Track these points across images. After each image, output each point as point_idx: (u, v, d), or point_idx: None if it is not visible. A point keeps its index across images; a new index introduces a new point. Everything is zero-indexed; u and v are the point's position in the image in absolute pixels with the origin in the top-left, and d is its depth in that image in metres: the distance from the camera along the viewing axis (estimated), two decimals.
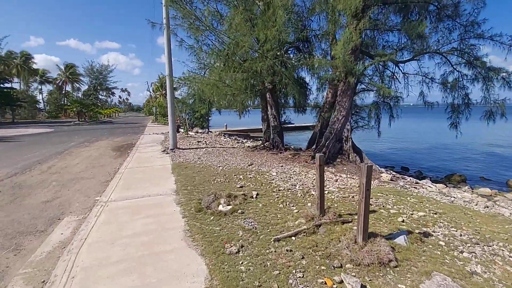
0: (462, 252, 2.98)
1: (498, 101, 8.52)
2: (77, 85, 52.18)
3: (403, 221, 3.68)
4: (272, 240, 3.15)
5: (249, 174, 6.31)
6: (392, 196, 4.92)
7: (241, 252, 2.93)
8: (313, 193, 4.92)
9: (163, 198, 4.76)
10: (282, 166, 7.41)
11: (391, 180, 7.09)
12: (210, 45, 9.19)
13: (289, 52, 10.87)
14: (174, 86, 11.08)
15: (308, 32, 9.74)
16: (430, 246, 3.04)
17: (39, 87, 49.32)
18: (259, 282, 2.42)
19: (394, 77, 9.79)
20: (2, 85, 34.33)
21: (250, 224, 3.58)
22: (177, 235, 3.36)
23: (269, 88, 10.07)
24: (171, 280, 2.49)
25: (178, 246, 3.10)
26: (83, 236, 3.39)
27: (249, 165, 7.37)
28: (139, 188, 5.39)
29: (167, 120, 12.74)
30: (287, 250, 2.93)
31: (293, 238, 3.21)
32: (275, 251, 2.93)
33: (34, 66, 44.91)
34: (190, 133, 16.68)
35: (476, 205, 5.05)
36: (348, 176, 6.78)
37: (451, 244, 3.13)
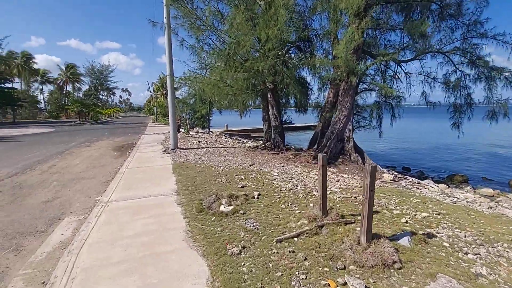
0: (466, 253, 2.94)
1: (500, 101, 8.47)
2: (78, 85, 52.33)
3: (406, 222, 3.64)
4: (274, 241, 3.12)
5: (251, 174, 6.28)
6: (394, 196, 4.88)
7: (243, 253, 2.90)
8: (315, 193, 4.89)
9: (164, 199, 4.73)
10: (283, 166, 7.37)
11: (393, 180, 7.04)
12: (211, 45, 9.17)
13: (290, 51, 10.84)
14: (175, 86, 11.05)
15: (310, 31, 9.70)
16: (434, 248, 3.00)
17: (40, 87, 49.46)
18: (261, 284, 2.39)
19: (396, 76, 9.75)
20: (3, 85, 34.38)
21: (252, 225, 3.55)
22: (178, 236, 3.33)
23: (270, 88, 10.03)
24: (173, 281, 2.46)
25: (179, 247, 3.07)
26: (84, 237, 3.36)
27: (250, 165, 7.34)
28: (140, 188, 5.36)
29: (168, 120, 12.72)
30: (289, 251, 2.89)
31: (296, 239, 3.17)
32: (278, 252, 2.90)
33: (35, 66, 45.05)
34: (191, 133, 16.66)
35: (479, 205, 5.00)
36: (350, 176, 6.74)
37: (456, 246, 3.09)
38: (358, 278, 2.45)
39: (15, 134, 17.73)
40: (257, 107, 13.23)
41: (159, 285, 2.42)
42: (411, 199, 4.81)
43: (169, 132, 12.32)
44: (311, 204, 4.28)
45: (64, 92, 50.92)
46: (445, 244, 3.10)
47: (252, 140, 16.55)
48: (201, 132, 17.56)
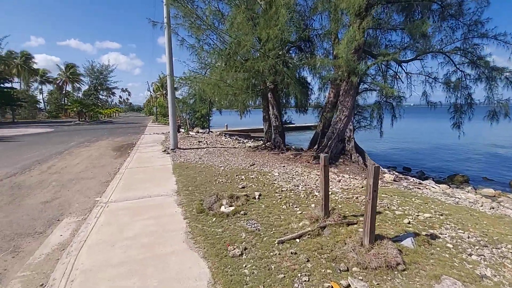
0: (470, 254, 2.90)
1: (501, 101, 8.45)
2: (78, 85, 52.22)
3: (409, 222, 3.61)
4: (276, 242, 3.08)
5: (251, 175, 6.24)
6: (396, 197, 4.85)
7: (244, 254, 2.86)
8: (316, 194, 4.85)
9: (164, 199, 4.69)
10: (284, 166, 7.33)
11: (394, 180, 7.01)
12: (211, 45, 9.12)
13: (290, 51, 10.81)
14: (175, 85, 11.01)
15: (310, 31, 9.67)
16: (438, 249, 2.97)
17: (40, 87, 49.35)
18: (263, 286, 2.35)
19: (397, 76, 9.72)
20: (2, 85, 34.31)
21: (253, 226, 3.51)
22: (178, 237, 3.29)
23: (270, 88, 10.00)
24: (173, 284, 2.42)
25: (180, 248, 3.03)
26: (83, 238, 3.32)
27: (250, 165, 7.30)
28: (139, 188, 5.32)
29: (168, 120, 12.68)
30: (291, 253, 2.86)
31: (298, 240, 3.14)
32: (279, 254, 2.86)
33: (35, 66, 44.93)
34: (190, 133, 16.61)
35: (482, 206, 4.97)
36: (351, 176, 6.71)
37: (459, 247, 3.06)
38: (362, 280, 2.41)
39: (14, 134, 17.67)
40: (257, 107, 13.20)
41: (159, 287, 2.38)
42: (413, 199, 4.78)
43: (169, 132, 12.29)
44: (313, 205, 4.25)
45: (64, 92, 50.83)
46: (448, 245, 3.07)
47: (252, 140, 16.51)
48: (201, 132, 17.52)
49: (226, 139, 14.39)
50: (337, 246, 2.95)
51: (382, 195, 4.90)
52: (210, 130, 19.81)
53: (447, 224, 3.66)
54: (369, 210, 2.72)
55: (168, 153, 9.36)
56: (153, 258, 2.83)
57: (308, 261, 2.72)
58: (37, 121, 38.50)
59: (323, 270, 2.58)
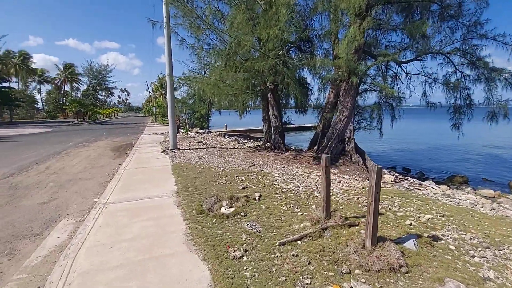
0: (473, 256, 2.88)
1: (500, 102, 8.45)
2: (76, 85, 52.04)
3: (411, 224, 3.58)
4: (277, 244, 3.04)
5: (251, 175, 6.20)
6: (397, 198, 4.82)
7: (245, 257, 2.82)
8: (317, 194, 4.82)
9: (163, 200, 4.64)
10: (284, 167, 7.30)
11: (394, 181, 6.99)
12: (211, 44, 9.10)
13: (290, 52, 10.79)
14: (174, 86, 10.96)
15: (310, 31, 9.65)
16: (441, 251, 2.94)
17: (38, 86, 49.10)
18: None
19: (397, 77, 9.71)
20: (0, 85, 34.10)
21: (253, 227, 3.47)
22: (178, 239, 3.25)
23: (270, 88, 9.97)
24: (173, 287, 2.37)
25: (180, 250, 2.98)
26: (81, 240, 3.27)
27: (250, 166, 7.26)
28: (138, 189, 5.27)
29: (167, 120, 12.62)
30: (293, 255, 2.82)
31: (299, 242, 3.10)
32: (281, 256, 2.82)
33: (33, 66, 44.73)
34: (190, 133, 16.56)
35: (482, 207, 4.95)
36: (351, 177, 6.68)
37: (462, 248, 3.03)
38: (364, 283, 2.38)
39: (12, 134, 17.55)
40: (256, 107, 13.16)
41: None
42: (414, 200, 4.76)
43: (168, 132, 12.23)
44: (314, 206, 4.21)
45: (62, 92, 50.64)
46: (451, 247, 3.04)
47: (251, 140, 16.48)
48: (200, 133, 17.47)
49: (225, 140, 14.35)
50: (339, 248, 2.91)
51: (383, 196, 4.87)
52: (210, 130, 19.75)
53: (448, 225, 3.64)
54: (372, 211, 2.69)
55: (167, 154, 9.30)
56: (152, 261, 2.79)
57: (309, 263, 2.69)
58: (35, 121, 38.31)
59: (325, 272, 2.54)
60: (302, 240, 3.12)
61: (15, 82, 43.53)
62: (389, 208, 4.20)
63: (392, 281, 2.41)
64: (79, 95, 49.45)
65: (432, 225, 3.60)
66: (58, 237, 3.47)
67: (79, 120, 36.67)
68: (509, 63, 8.50)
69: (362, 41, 7.02)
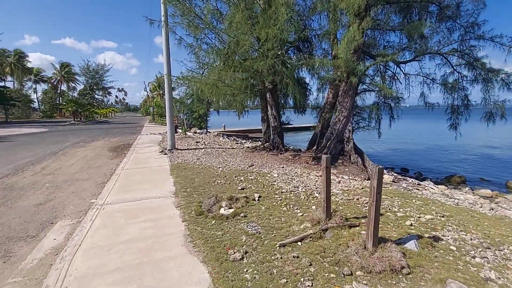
0: (474, 257, 2.87)
1: (498, 102, 8.50)
2: (73, 85, 51.70)
3: (411, 224, 3.57)
4: (277, 245, 3.01)
5: (250, 176, 6.17)
6: (397, 198, 4.82)
7: (245, 258, 2.78)
8: (317, 195, 4.80)
9: (161, 201, 4.59)
10: (283, 167, 7.27)
11: (393, 181, 7.00)
12: (209, 44, 9.02)
13: (289, 52, 10.77)
14: (172, 85, 10.90)
15: (309, 31, 9.64)
16: (442, 251, 2.93)
17: (34, 86, 48.68)
18: None
19: (395, 77, 9.74)
20: None
21: (253, 229, 3.43)
22: (177, 241, 3.20)
23: (269, 88, 9.94)
24: None
25: (179, 253, 2.94)
26: (77, 242, 3.21)
27: (249, 166, 7.23)
28: (136, 190, 5.21)
29: (165, 120, 12.53)
30: (293, 257, 2.79)
31: (299, 243, 3.07)
32: (281, 258, 2.79)
33: (29, 65, 44.33)
34: (188, 133, 16.48)
35: (481, 207, 4.97)
36: (351, 177, 6.67)
37: (462, 249, 3.02)
38: (366, 285, 2.35)
39: (8, 134, 17.34)
40: (254, 107, 13.13)
41: None
42: (414, 201, 4.75)
43: (166, 132, 12.15)
44: (314, 207, 4.19)
45: (59, 91, 50.21)
46: (452, 247, 3.03)
47: (250, 140, 16.45)
48: (198, 133, 17.40)
49: (224, 140, 14.30)
50: (339, 249, 2.89)
51: (383, 196, 4.84)
52: (208, 130, 19.68)
53: (449, 226, 3.63)
54: (373, 212, 2.66)
55: (165, 154, 9.24)
56: (151, 263, 2.74)
57: (310, 265, 2.66)
58: (31, 121, 37.95)
59: (327, 274, 2.51)
60: (303, 241, 3.10)
61: (11, 81, 43.14)
62: (389, 209, 4.19)
63: (394, 282, 2.39)
64: (75, 94, 49.12)
65: (432, 226, 3.59)
66: (55, 239, 3.41)
67: (75, 120, 36.38)
68: (506, 64, 8.60)
69: (361, 41, 7.01)
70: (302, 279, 2.44)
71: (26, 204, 4.70)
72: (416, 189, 6.34)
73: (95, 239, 3.28)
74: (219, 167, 7.06)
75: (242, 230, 3.41)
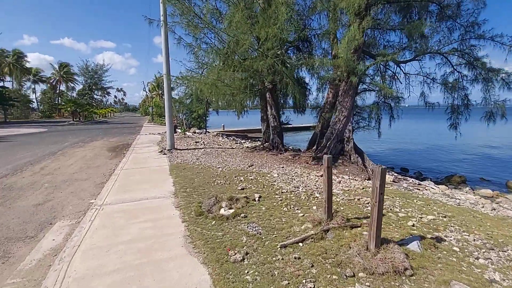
0: (477, 258, 2.84)
1: (498, 102, 8.48)
2: (72, 85, 51.56)
3: (413, 225, 3.54)
4: (278, 246, 2.98)
5: (250, 176, 6.13)
6: (398, 198, 4.79)
7: (246, 260, 2.75)
8: (317, 195, 4.77)
9: (161, 201, 4.56)
10: (283, 167, 7.24)
11: (394, 181, 6.98)
12: (209, 43, 8.98)
13: (289, 51, 10.74)
14: (171, 85, 10.85)
15: (309, 31, 9.61)
16: (445, 252, 2.90)
17: (32, 86, 48.52)
18: None
19: (395, 77, 9.72)
20: None
21: (254, 229, 3.40)
22: (177, 241, 3.17)
23: (269, 88, 9.91)
24: None
25: (179, 253, 2.91)
26: (76, 243, 3.18)
27: (249, 166, 7.19)
28: (135, 190, 5.17)
29: (164, 120, 12.50)
30: (295, 258, 2.75)
31: (301, 244, 3.04)
32: (283, 259, 2.76)
33: (27, 65, 44.17)
34: (187, 133, 16.43)
35: (483, 207, 4.94)
36: (351, 177, 6.65)
37: (466, 250, 2.99)
38: (369, 286, 2.32)
39: (6, 134, 17.27)
40: (254, 107, 13.08)
41: None
42: (415, 201, 4.72)
43: (165, 132, 12.10)
44: (314, 207, 4.16)
45: (58, 91, 50.07)
46: (455, 248, 3.00)
47: (249, 140, 16.41)
48: (198, 133, 17.35)
49: (223, 140, 14.26)
50: (341, 250, 2.86)
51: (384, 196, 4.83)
52: (207, 130, 19.64)
53: (451, 226, 3.60)
54: (375, 213, 2.63)
55: (164, 154, 9.20)
56: (150, 264, 2.71)
57: (312, 266, 2.63)
58: (30, 121, 37.83)
59: (329, 276, 2.48)
60: (304, 242, 3.07)
61: (9, 81, 42.99)
62: (391, 209, 4.16)
63: (398, 284, 2.36)
64: (74, 94, 49.03)
65: (434, 226, 3.56)
66: (53, 239, 3.38)
67: (74, 120, 36.27)
68: (506, 63, 8.60)
69: (361, 41, 6.98)
70: (304, 281, 2.41)
71: (25, 204, 4.66)
72: (417, 189, 6.32)
73: (94, 239, 3.25)
74: (219, 167, 7.02)
75: (243, 230, 3.37)
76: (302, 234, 3.23)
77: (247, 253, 2.86)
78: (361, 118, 9.68)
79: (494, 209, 4.82)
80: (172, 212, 4.06)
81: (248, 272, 2.55)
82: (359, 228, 3.33)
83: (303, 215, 3.83)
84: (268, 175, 6.24)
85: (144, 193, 4.95)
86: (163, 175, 6.36)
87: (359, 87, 8.81)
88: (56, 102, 48.84)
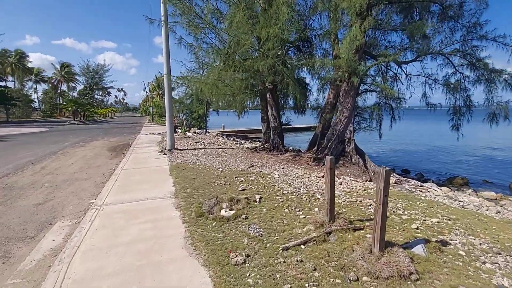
0: (484, 262, 2.79)
1: (501, 103, 8.41)
2: (73, 85, 51.70)
3: (417, 228, 3.49)
4: (280, 248, 2.93)
5: (250, 176, 6.09)
6: (400, 200, 4.74)
7: (247, 262, 2.71)
8: (319, 197, 4.72)
9: (161, 202, 4.52)
10: (283, 168, 7.20)
11: (395, 183, 6.92)
12: (209, 44, 8.95)
13: (289, 52, 10.70)
14: (172, 85, 10.83)
15: (309, 31, 9.57)
16: (450, 256, 2.85)
17: (34, 86, 48.66)
18: None
19: (397, 78, 9.66)
20: None
21: (255, 231, 3.36)
22: (177, 243, 3.13)
23: (269, 88, 9.87)
24: None
25: (179, 255, 2.86)
26: (76, 243, 3.14)
27: (249, 167, 7.15)
28: (136, 190, 5.14)
29: (164, 120, 12.46)
30: (297, 260, 2.71)
31: (303, 246, 2.99)
32: (285, 262, 2.71)
33: (29, 65, 44.34)
34: (187, 133, 16.41)
35: (487, 210, 4.89)
36: (352, 179, 6.60)
37: (472, 254, 2.94)
38: None
39: (8, 134, 17.28)
40: (255, 107, 13.05)
41: None
42: (418, 203, 4.67)
43: (165, 132, 12.08)
44: (316, 209, 4.11)
45: (59, 91, 50.18)
46: (461, 252, 2.95)
47: (249, 141, 16.37)
48: (198, 133, 17.33)
49: (223, 140, 14.22)
50: (344, 253, 2.81)
51: None
52: (207, 130, 19.61)
53: (456, 229, 3.55)
54: (379, 215, 2.59)
55: (164, 154, 9.16)
56: (150, 266, 2.67)
57: (315, 269, 2.58)
58: (31, 120, 37.92)
59: (332, 279, 2.44)
60: (306, 245, 3.02)
61: (11, 81, 43.15)
62: (394, 211, 4.11)
63: None
64: (75, 94, 49.10)
65: (439, 229, 3.51)
66: (53, 240, 3.34)
67: (75, 119, 36.32)
68: (509, 64, 8.48)
69: (363, 41, 6.95)
70: (306, 285, 2.36)
71: (26, 204, 4.62)
72: (419, 191, 6.27)
73: (94, 240, 3.21)
74: (219, 168, 6.98)
75: (244, 232, 3.33)
76: (304, 236, 3.18)
77: (248, 256, 2.81)
78: (362, 119, 9.63)
79: (499, 212, 4.77)
80: (172, 213, 4.02)
81: (249, 275, 2.50)
82: (362, 231, 3.29)
83: (305, 217, 3.78)
84: (269, 176, 6.20)
85: (144, 194, 4.92)
86: (163, 175, 6.32)
87: (360, 88, 8.76)
88: (57, 102, 48.93)
